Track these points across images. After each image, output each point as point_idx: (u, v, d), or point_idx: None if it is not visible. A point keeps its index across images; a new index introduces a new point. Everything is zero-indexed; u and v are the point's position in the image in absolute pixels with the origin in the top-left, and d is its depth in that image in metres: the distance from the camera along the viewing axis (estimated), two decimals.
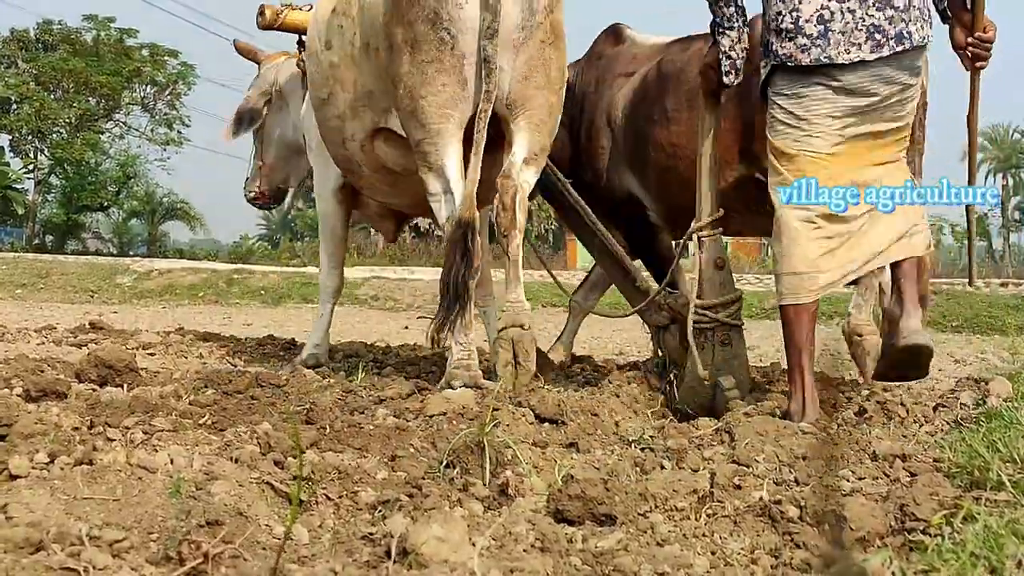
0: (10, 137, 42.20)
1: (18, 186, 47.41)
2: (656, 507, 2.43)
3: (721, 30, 4.20)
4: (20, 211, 46.28)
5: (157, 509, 2.17)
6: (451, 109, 4.14)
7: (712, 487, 2.60)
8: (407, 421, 3.49)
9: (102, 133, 43.34)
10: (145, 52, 42.15)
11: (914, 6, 3.89)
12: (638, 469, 3.01)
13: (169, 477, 2.33)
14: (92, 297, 17.00)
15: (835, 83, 3.88)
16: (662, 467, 3.08)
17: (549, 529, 2.09)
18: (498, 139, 4.30)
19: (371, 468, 2.75)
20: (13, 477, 2.36)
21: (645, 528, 2.30)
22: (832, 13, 3.85)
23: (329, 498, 2.46)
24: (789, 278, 3.92)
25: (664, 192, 5.20)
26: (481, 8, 4.01)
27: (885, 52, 3.84)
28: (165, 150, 44.23)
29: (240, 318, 12.69)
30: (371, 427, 3.30)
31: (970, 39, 4.01)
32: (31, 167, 44.24)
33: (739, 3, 4.19)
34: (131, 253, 39.50)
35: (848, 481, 2.88)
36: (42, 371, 4.15)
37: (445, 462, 2.84)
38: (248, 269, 20.53)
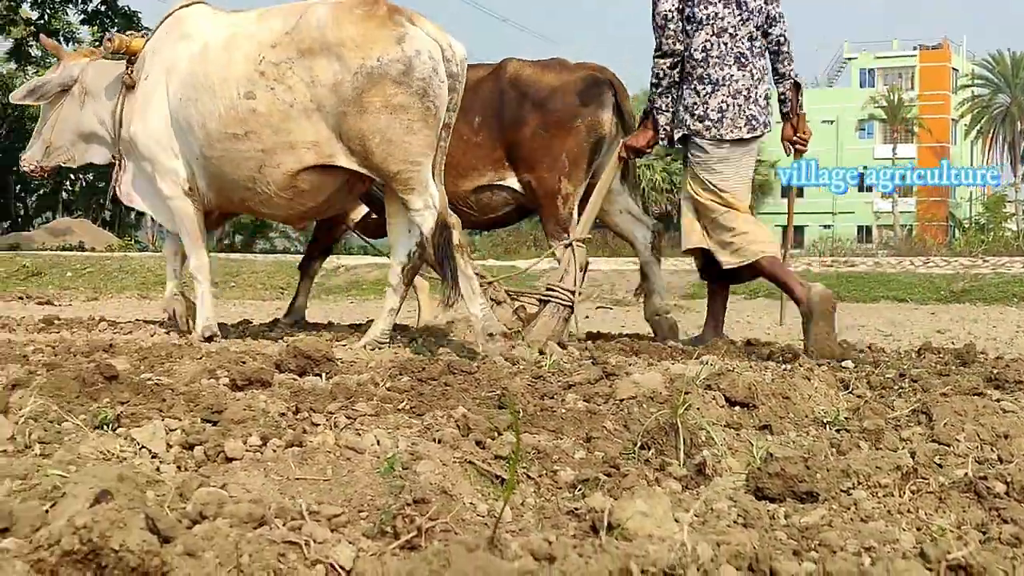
0: None
1: None
2: (858, 484, 2.40)
3: (660, 112, 6.04)
4: None
5: (366, 488, 2.25)
6: (429, 151, 5.46)
7: (915, 464, 2.56)
8: (598, 405, 3.51)
9: None
10: None
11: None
12: (834, 450, 2.98)
13: (376, 458, 2.41)
14: (282, 294, 17.48)
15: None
16: (859, 447, 3.04)
17: (751, 505, 2.10)
18: None
19: (568, 449, 2.79)
20: (229, 459, 2.48)
21: (848, 505, 2.28)
22: (727, 106, 5.82)
23: (530, 477, 2.51)
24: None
25: None
26: (448, 89, 5.47)
27: (758, 132, 5.94)
28: None
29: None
30: (563, 411, 3.34)
31: (795, 137, 6.15)
32: None
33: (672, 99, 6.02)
34: None
35: None
36: (244, 362, 4.31)
37: (639, 443, 2.87)
38: None
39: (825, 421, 3.46)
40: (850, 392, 4.08)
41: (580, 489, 2.43)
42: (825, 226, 62.89)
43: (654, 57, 5.94)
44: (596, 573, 1.51)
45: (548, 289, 6.21)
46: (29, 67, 41.51)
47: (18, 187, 44.81)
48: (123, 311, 10.94)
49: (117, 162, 6.40)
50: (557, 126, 6.60)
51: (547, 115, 6.61)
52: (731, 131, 5.76)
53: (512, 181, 6.78)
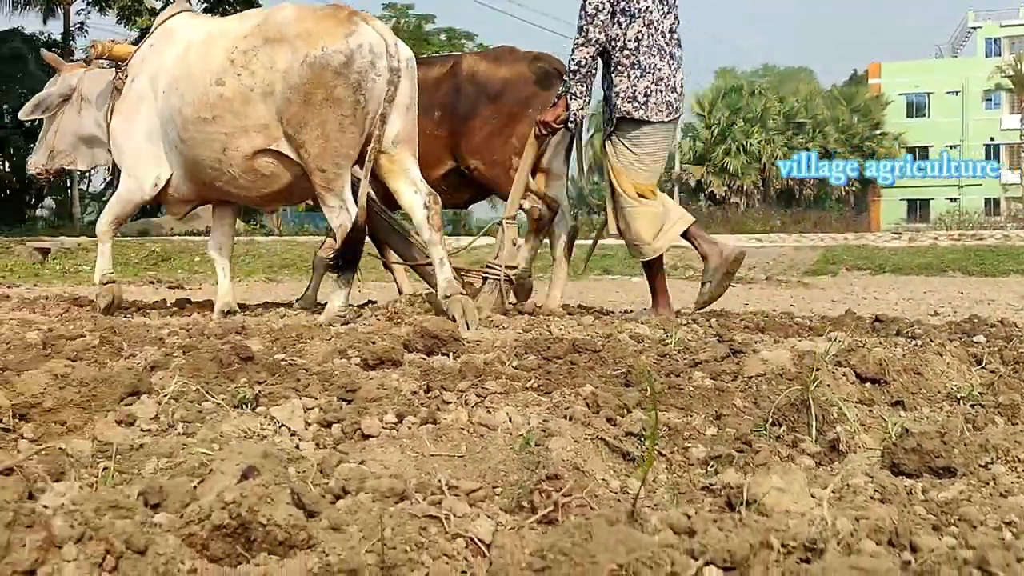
0: None
1: None
2: (997, 459, 2.37)
3: (574, 97, 6.51)
4: None
5: (499, 464, 2.28)
6: (353, 150, 5.90)
7: None
8: (725, 382, 3.50)
9: None
10: (443, 37, 43.49)
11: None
12: (970, 425, 2.93)
13: (508, 435, 2.45)
14: (408, 275, 17.65)
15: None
16: (994, 422, 2.99)
17: (888, 481, 2.08)
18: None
19: (698, 426, 2.79)
20: (366, 436, 2.53)
21: (987, 480, 2.25)
22: (651, 92, 6.43)
23: (661, 454, 2.52)
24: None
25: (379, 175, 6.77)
26: (386, 81, 5.85)
27: (674, 116, 6.59)
28: None
29: (543, 290, 12.94)
30: (691, 388, 3.33)
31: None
32: None
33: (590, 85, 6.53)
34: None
35: None
36: (373, 342, 4.37)
37: (771, 420, 2.86)
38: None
39: (959, 396, 3.41)
40: (983, 367, 4.00)
41: (712, 465, 2.43)
42: (951, 199, 61.47)
43: (578, 45, 6.43)
44: (736, 546, 1.52)
45: (487, 266, 6.81)
46: None
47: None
48: (251, 294, 11.16)
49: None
50: (510, 115, 7.20)
51: (500, 106, 7.22)
52: (655, 114, 6.43)
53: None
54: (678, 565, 1.47)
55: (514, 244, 6.78)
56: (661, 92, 6.44)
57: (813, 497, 1.91)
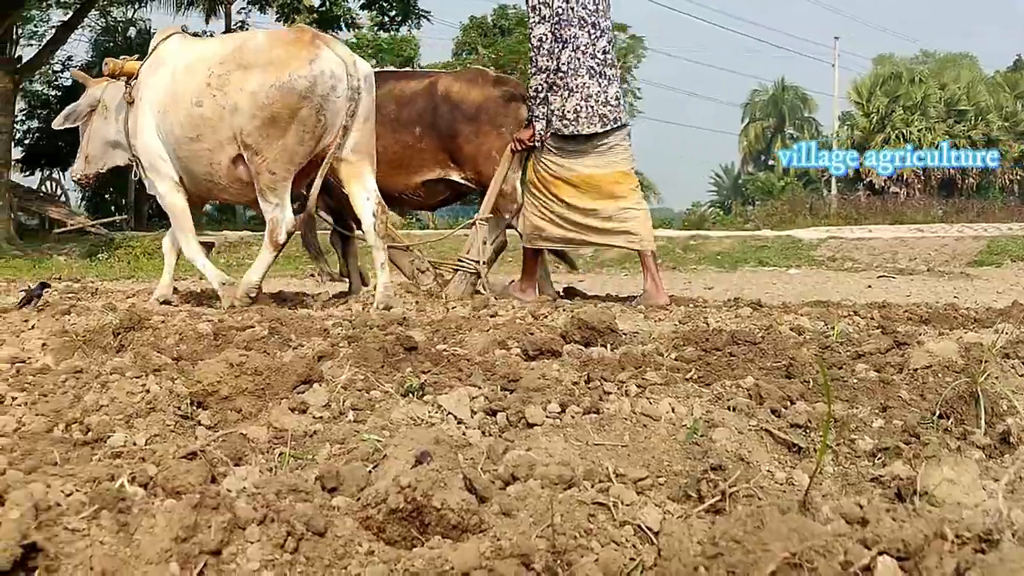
0: None
1: None
2: None
3: (538, 120, 7.46)
4: None
5: (663, 454, 2.29)
6: (305, 159, 6.70)
7: None
8: (890, 375, 3.45)
9: None
10: None
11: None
12: None
13: (671, 425, 2.46)
14: (557, 267, 17.71)
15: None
16: None
17: None
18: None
19: (864, 418, 2.76)
20: (530, 425, 2.57)
21: None
22: (580, 108, 7.33)
23: (828, 445, 2.50)
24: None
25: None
26: (347, 99, 6.67)
27: (609, 126, 7.46)
28: None
29: (700, 282, 12.88)
30: (854, 380, 3.29)
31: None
32: None
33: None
34: None
35: None
36: (531, 333, 4.42)
37: (938, 412, 2.81)
38: (703, 235, 20.77)
39: None
40: None
41: (880, 457, 2.40)
42: None
43: (532, 74, 7.46)
44: (910, 536, 1.51)
45: (459, 259, 7.81)
46: None
47: None
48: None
49: (135, 162, 7.55)
50: (483, 133, 8.08)
51: (474, 125, 8.09)
52: (584, 128, 7.33)
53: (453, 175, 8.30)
54: (851, 554, 1.47)
55: (484, 243, 7.72)
56: (592, 108, 7.35)
57: (985, 489, 1.88)
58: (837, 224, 25.14)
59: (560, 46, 7.31)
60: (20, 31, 38.36)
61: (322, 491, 2.00)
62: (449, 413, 2.68)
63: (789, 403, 2.86)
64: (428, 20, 36.36)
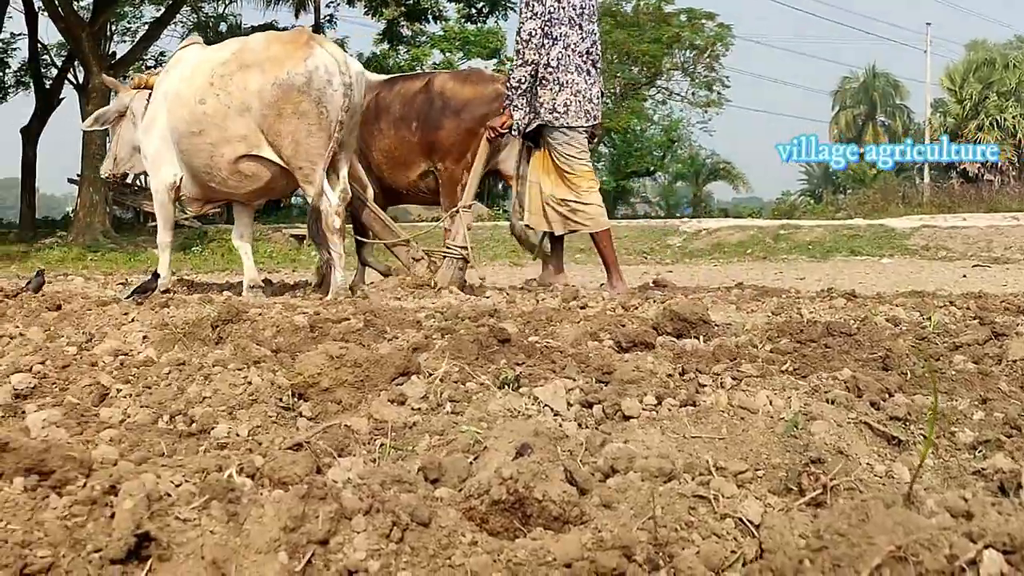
0: None
1: None
2: None
3: (516, 109, 7.78)
4: None
5: (761, 447, 2.29)
6: (323, 151, 7.20)
7: None
8: (989, 366, 3.40)
9: (645, 100, 44.97)
10: (683, 17, 43.15)
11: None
12: None
13: (769, 418, 2.45)
14: (646, 258, 17.69)
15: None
16: None
17: None
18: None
19: (964, 410, 2.73)
20: (626, 417, 2.58)
21: None
22: (569, 103, 7.74)
23: (926, 438, 2.48)
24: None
25: (380, 180, 8.85)
26: (342, 95, 7.20)
27: (591, 123, 7.91)
28: (706, 112, 45.22)
29: (791, 272, 12.77)
30: (952, 372, 3.26)
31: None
32: None
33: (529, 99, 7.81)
34: (677, 215, 40.66)
35: None
36: (623, 324, 4.42)
37: None
38: (794, 224, 20.55)
39: None
40: None
41: (981, 450, 2.38)
42: None
43: (517, 66, 7.82)
44: (1017, 530, 1.50)
45: (446, 247, 8.15)
46: (400, 47, 43.54)
47: None
48: (496, 278, 11.39)
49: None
50: (468, 130, 8.48)
51: (461, 121, 8.51)
52: (574, 120, 7.77)
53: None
54: (956, 548, 1.47)
55: (468, 229, 8.11)
56: (579, 103, 7.79)
57: None
58: (930, 212, 24.68)
59: (551, 43, 7.73)
60: (114, 28, 39.15)
61: (425, 482, 2.04)
62: (545, 405, 2.70)
63: (887, 395, 2.84)
64: (515, 11, 36.44)
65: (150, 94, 8.06)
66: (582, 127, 7.86)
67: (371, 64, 42.34)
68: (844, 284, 8.97)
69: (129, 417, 2.97)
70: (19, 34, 41.42)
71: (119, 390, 3.31)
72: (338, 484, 1.95)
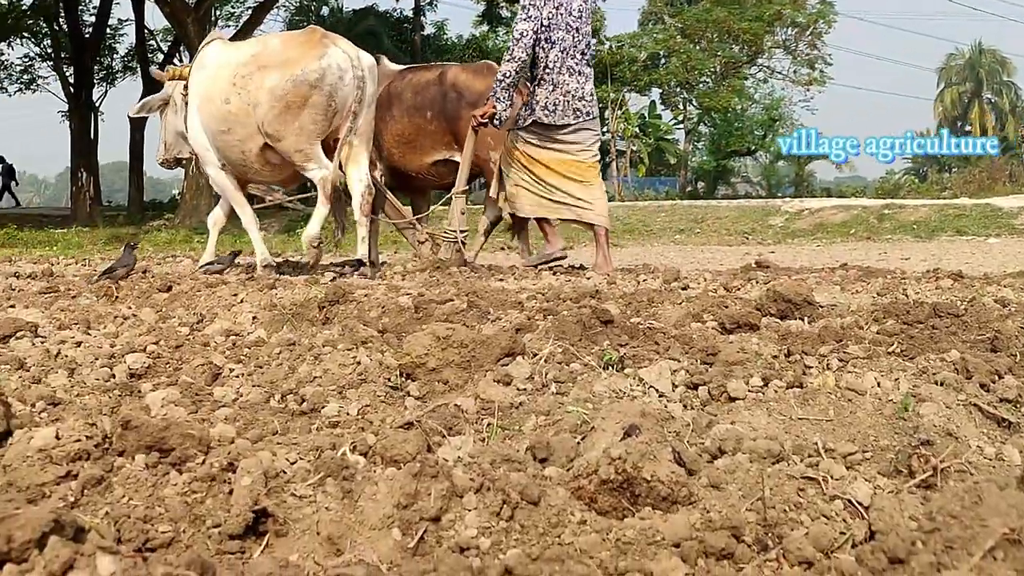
0: (660, 91, 44.51)
1: (669, 137, 49.88)
2: None
3: (499, 100, 8.22)
4: (672, 161, 48.66)
5: (868, 429, 2.28)
6: (321, 135, 7.82)
7: None
8: None
9: (746, 79, 44.49)
10: None
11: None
12: None
13: (877, 399, 2.44)
14: (747, 239, 17.55)
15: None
16: None
17: None
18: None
19: None
20: (732, 399, 2.59)
21: None
22: (559, 102, 8.29)
23: None
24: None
25: (390, 163, 9.58)
26: (355, 87, 7.82)
27: (581, 119, 8.40)
28: (808, 90, 44.55)
29: (896, 253, 12.58)
30: None
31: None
32: (680, 118, 46.36)
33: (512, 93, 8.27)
34: (778, 195, 40.19)
35: None
36: (726, 306, 4.41)
37: None
38: (898, 204, 20.22)
39: None
40: None
41: None
42: None
43: (507, 61, 8.24)
44: None
45: (444, 231, 8.84)
46: (500, 28, 43.59)
47: None
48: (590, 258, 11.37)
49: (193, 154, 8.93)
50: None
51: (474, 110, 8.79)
52: (560, 119, 8.32)
53: (457, 156, 9.16)
54: None
55: (462, 212, 8.68)
56: (567, 103, 8.31)
57: None
58: None
59: (549, 46, 8.26)
60: (218, 12, 39.73)
61: (533, 461, 2.07)
62: (650, 386, 2.71)
63: (997, 377, 2.79)
64: None
65: (185, 84, 8.68)
66: (570, 125, 8.37)
67: (471, 45, 42.47)
68: (950, 264, 8.82)
69: (242, 396, 3.04)
70: (126, 20, 42.45)
71: (231, 370, 3.40)
72: (449, 462, 1.99)
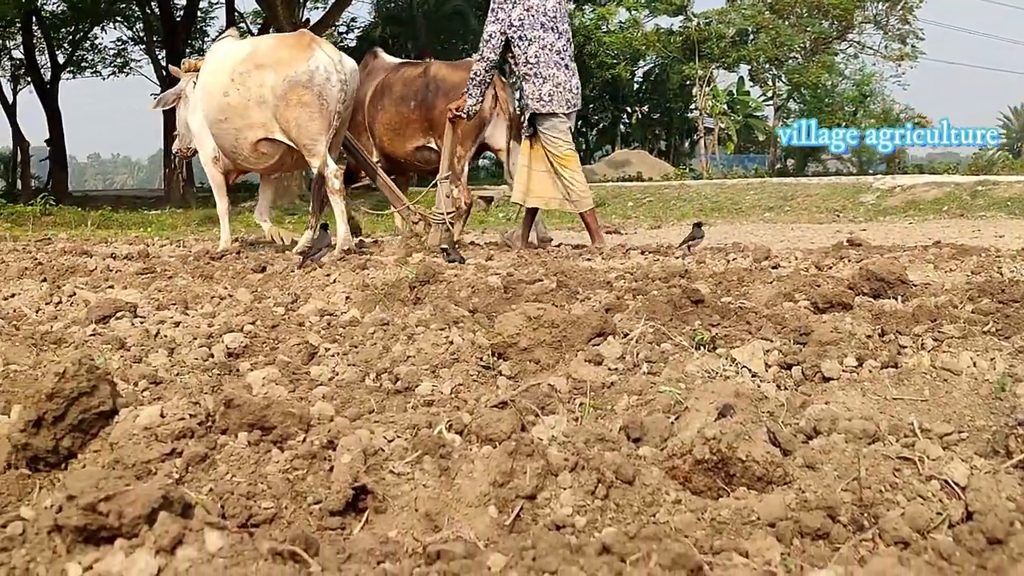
0: (749, 67, 43.99)
1: (758, 114, 49.33)
2: None
3: (469, 96, 8.91)
4: (761, 138, 48.14)
5: (964, 409, 2.27)
6: (322, 132, 8.56)
7: None
8: None
9: (836, 55, 43.85)
10: None
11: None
12: None
13: (972, 379, 2.42)
14: (837, 216, 17.32)
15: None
16: None
17: None
18: None
19: None
20: (826, 379, 2.58)
21: None
22: (551, 94, 8.77)
23: None
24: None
25: (382, 149, 10.93)
26: (339, 89, 8.57)
27: (571, 111, 8.92)
28: (899, 65, 43.76)
29: (989, 230, 12.34)
30: None
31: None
32: (770, 94, 45.82)
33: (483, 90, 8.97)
34: (870, 171, 39.57)
35: None
36: (818, 285, 4.38)
37: None
38: (992, 180, 19.79)
39: None
40: None
41: None
42: None
43: (477, 61, 8.96)
44: None
45: (432, 214, 9.24)
46: (586, 6, 43.44)
47: (579, 122, 47.54)
48: (682, 237, 11.35)
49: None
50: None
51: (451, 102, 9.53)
52: (558, 108, 8.80)
53: (434, 143, 10.41)
54: None
55: (447, 196, 9.10)
56: (561, 93, 8.83)
57: None
58: None
59: (527, 44, 8.80)
60: None
61: (627, 440, 2.09)
62: (743, 366, 2.71)
63: None
64: None
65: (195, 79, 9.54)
66: (563, 114, 8.89)
67: None
68: None
69: (338, 375, 3.10)
70: (217, 3, 42.96)
71: (327, 349, 3.46)
72: (543, 441, 2.02)
